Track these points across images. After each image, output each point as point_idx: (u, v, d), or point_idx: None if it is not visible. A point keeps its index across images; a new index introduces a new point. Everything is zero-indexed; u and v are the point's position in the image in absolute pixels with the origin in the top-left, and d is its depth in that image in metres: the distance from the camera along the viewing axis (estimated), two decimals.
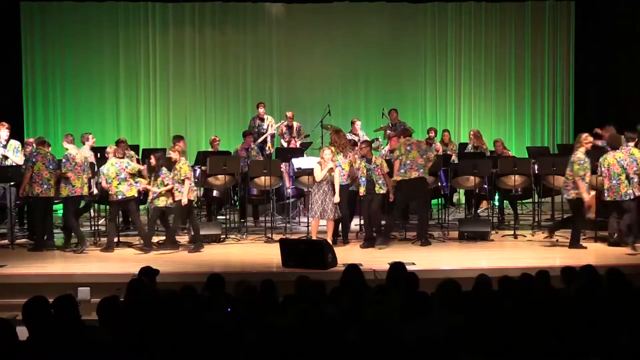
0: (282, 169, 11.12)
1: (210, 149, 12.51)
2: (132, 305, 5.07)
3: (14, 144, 10.80)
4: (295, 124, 13.28)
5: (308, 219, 10.37)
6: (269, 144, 12.95)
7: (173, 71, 14.85)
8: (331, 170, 9.63)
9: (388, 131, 12.84)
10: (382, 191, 9.79)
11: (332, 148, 9.99)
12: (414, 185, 9.81)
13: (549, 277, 5.80)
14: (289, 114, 13.34)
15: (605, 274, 5.72)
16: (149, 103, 14.85)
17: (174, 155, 9.73)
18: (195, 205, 12.97)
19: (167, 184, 9.60)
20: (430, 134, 12.96)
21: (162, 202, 9.65)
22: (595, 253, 9.57)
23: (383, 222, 10.09)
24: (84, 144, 10.89)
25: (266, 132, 12.94)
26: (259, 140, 12.61)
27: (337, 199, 9.65)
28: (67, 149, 9.99)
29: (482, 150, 12.22)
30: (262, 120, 13.26)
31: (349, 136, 12.05)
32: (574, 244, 9.66)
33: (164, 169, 9.68)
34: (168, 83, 14.88)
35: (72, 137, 10.29)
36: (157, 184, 9.62)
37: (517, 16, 15.22)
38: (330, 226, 9.83)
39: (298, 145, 12.88)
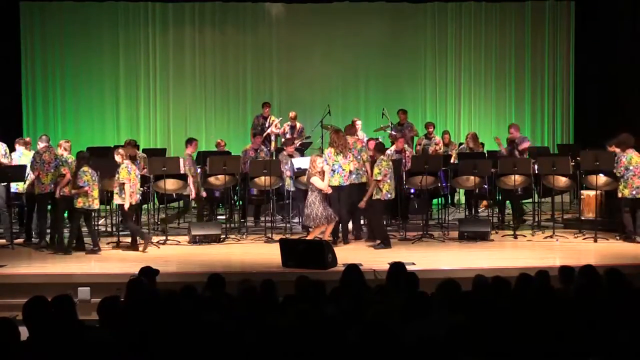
0: (282, 169, 11.12)
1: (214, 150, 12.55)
2: (132, 305, 5.06)
3: (2, 146, 10.82)
4: (298, 125, 13.30)
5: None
6: (273, 144, 12.97)
7: (173, 71, 14.84)
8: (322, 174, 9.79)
9: (392, 132, 12.86)
10: (377, 196, 9.77)
11: (332, 149, 10.00)
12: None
13: (548, 277, 5.80)
14: (292, 114, 13.33)
15: (604, 274, 5.72)
16: (149, 103, 14.85)
17: (117, 158, 9.81)
18: (196, 205, 13.08)
19: (80, 186, 9.51)
20: (429, 129, 12.92)
21: (79, 203, 9.58)
22: (595, 253, 9.59)
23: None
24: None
25: (267, 130, 13.00)
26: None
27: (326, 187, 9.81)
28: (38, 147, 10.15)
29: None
30: (266, 119, 13.29)
31: None
32: None
33: (82, 170, 9.56)
34: (168, 83, 14.87)
35: (47, 136, 10.35)
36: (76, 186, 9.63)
37: (517, 16, 15.21)
38: (330, 227, 9.86)
39: (297, 145, 12.87)
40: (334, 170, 9.88)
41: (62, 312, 4.45)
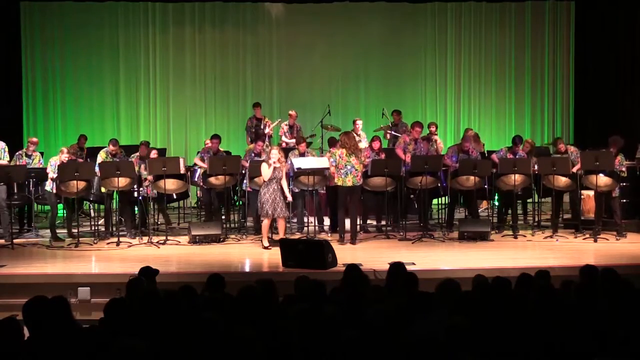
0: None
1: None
2: (132, 305, 5.06)
3: (0, 144, 10.82)
4: (296, 124, 13.27)
5: (308, 219, 10.37)
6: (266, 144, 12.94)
7: (173, 71, 14.85)
8: (278, 169, 9.82)
9: (392, 132, 12.82)
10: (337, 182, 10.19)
11: (344, 150, 10.04)
12: None
13: (548, 277, 5.80)
14: (292, 112, 13.28)
15: (600, 274, 5.73)
16: (149, 103, 14.85)
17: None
18: (196, 205, 13.09)
19: None
20: (431, 128, 12.61)
21: None
22: (595, 253, 9.59)
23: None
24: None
25: (262, 132, 12.99)
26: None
27: (290, 197, 10.02)
28: None
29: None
30: (259, 120, 13.28)
31: None
32: None
33: None
34: (168, 83, 14.87)
35: None
36: None
37: (517, 16, 15.21)
38: (282, 225, 9.93)
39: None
40: (347, 172, 9.96)
41: (58, 314, 4.44)
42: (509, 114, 15.31)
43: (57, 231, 10.72)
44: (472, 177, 10.73)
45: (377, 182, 10.68)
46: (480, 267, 8.21)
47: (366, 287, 5.78)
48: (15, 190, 10.80)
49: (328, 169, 10.42)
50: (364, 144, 11.89)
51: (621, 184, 10.55)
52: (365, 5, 14.89)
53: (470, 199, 11.24)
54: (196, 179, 11.56)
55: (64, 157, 10.28)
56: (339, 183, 10.10)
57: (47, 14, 14.54)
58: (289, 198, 10.03)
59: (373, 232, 11.13)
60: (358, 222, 10.65)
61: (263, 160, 10.14)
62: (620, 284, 5.43)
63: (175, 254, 9.66)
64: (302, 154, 11.07)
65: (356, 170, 10.05)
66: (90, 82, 14.66)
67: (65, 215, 11.05)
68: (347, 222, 10.31)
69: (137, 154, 11.38)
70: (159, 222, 11.70)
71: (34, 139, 11.59)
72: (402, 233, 10.63)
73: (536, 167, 10.94)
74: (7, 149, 10.87)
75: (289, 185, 10.97)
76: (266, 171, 9.79)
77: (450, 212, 11.21)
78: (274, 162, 9.77)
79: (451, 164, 10.93)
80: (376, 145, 11.20)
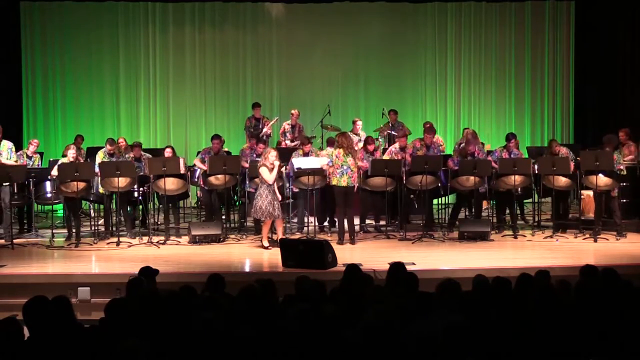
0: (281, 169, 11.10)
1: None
2: (132, 305, 5.05)
3: (7, 144, 10.79)
4: (298, 124, 13.27)
5: (306, 220, 10.35)
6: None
7: (173, 71, 14.84)
8: (280, 171, 9.89)
9: (392, 132, 12.81)
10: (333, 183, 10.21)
11: (341, 150, 10.04)
12: None
13: (548, 277, 5.80)
14: (294, 111, 13.27)
15: (600, 274, 5.73)
16: (149, 103, 14.85)
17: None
18: (195, 205, 13.08)
19: None
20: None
21: None
22: (595, 253, 9.59)
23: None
24: None
25: (261, 131, 12.98)
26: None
27: (279, 196, 9.99)
28: None
29: None
30: (258, 120, 13.28)
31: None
32: None
33: None
34: (168, 83, 14.87)
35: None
36: None
37: (517, 16, 15.20)
38: (281, 225, 9.94)
39: (299, 145, 12.85)
40: (342, 172, 9.97)
41: (60, 313, 4.44)
42: (509, 114, 15.30)
43: (57, 231, 10.72)
44: (472, 177, 10.72)
45: (377, 182, 10.69)
46: (480, 267, 8.21)
47: (368, 287, 5.78)
48: (16, 191, 10.80)
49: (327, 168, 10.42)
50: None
51: (621, 184, 10.56)
52: (365, 5, 14.89)
53: (471, 199, 11.24)
54: (196, 179, 11.56)
55: (71, 152, 10.31)
56: (334, 183, 10.12)
57: (47, 14, 14.53)
58: (279, 198, 10.01)
59: (373, 232, 11.13)
60: (356, 223, 10.66)
61: (259, 160, 10.15)
62: (620, 284, 5.44)
63: (175, 254, 9.65)
64: (306, 154, 11.08)
65: (352, 171, 10.03)
66: (90, 82, 14.66)
67: (64, 214, 11.07)
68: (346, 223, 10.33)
69: (132, 154, 11.41)
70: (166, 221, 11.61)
71: (36, 141, 11.63)
72: (402, 233, 10.63)
73: (536, 167, 10.94)
74: (14, 149, 10.87)
75: (288, 185, 11.01)
76: (268, 175, 9.76)
77: (454, 213, 11.20)
78: (277, 165, 9.77)
79: (452, 166, 10.93)
80: (371, 147, 11.20)
